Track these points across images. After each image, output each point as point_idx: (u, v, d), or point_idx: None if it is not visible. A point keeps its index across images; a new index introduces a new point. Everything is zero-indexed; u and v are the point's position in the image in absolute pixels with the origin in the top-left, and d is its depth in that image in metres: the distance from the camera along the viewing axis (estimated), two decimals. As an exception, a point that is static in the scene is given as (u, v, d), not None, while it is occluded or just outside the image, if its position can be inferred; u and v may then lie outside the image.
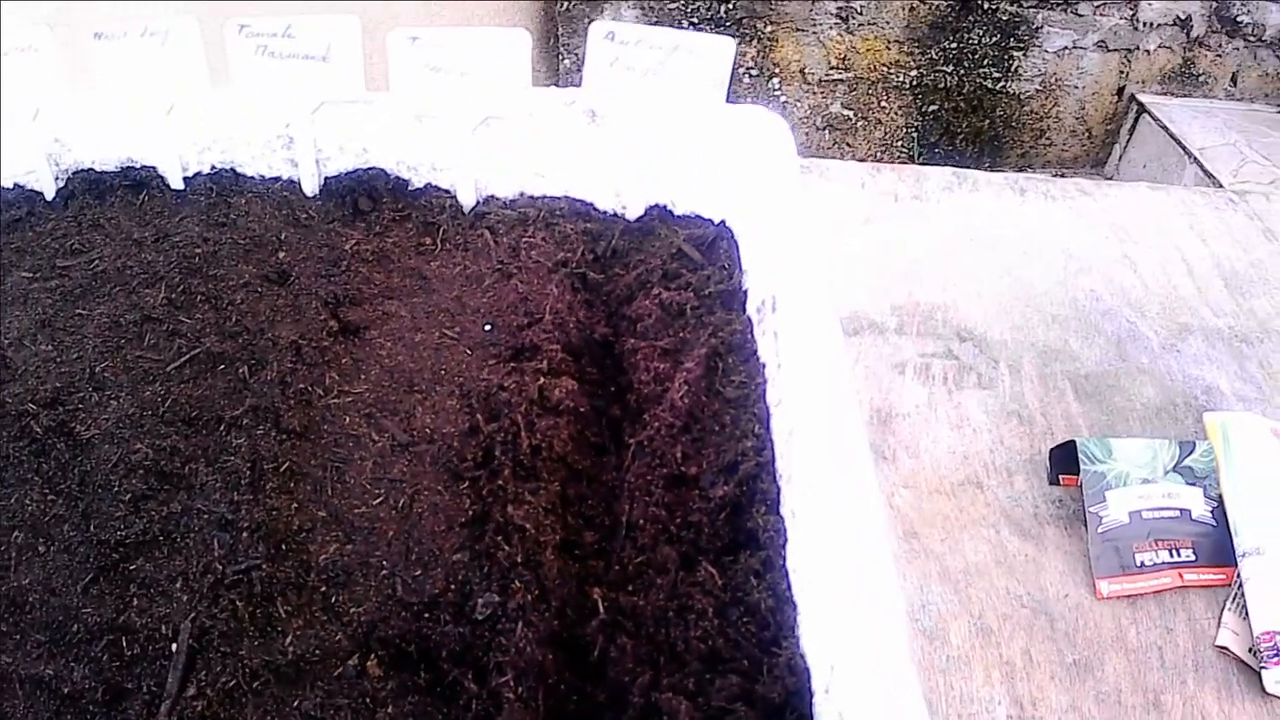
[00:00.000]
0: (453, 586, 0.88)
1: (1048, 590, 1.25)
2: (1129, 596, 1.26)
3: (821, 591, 0.80)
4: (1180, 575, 1.28)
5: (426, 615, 0.86)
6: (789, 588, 0.85)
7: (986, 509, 1.33)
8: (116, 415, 1.00)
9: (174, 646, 0.83)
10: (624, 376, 1.09)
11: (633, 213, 1.29)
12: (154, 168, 1.29)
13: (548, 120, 1.26)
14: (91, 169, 1.29)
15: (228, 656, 0.82)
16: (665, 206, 1.28)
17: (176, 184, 1.29)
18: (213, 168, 1.30)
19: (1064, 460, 1.38)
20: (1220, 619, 1.24)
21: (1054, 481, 1.39)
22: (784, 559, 0.87)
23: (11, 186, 1.27)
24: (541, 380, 1.03)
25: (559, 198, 1.30)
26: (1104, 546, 1.29)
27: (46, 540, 0.90)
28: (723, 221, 1.25)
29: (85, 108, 1.27)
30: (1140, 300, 1.73)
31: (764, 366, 1.03)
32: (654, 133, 1.24)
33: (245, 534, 0.91)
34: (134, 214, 1.25)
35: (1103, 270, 1.78)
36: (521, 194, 1.30)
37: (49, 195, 1.28)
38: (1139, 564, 1.28)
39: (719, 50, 1.14)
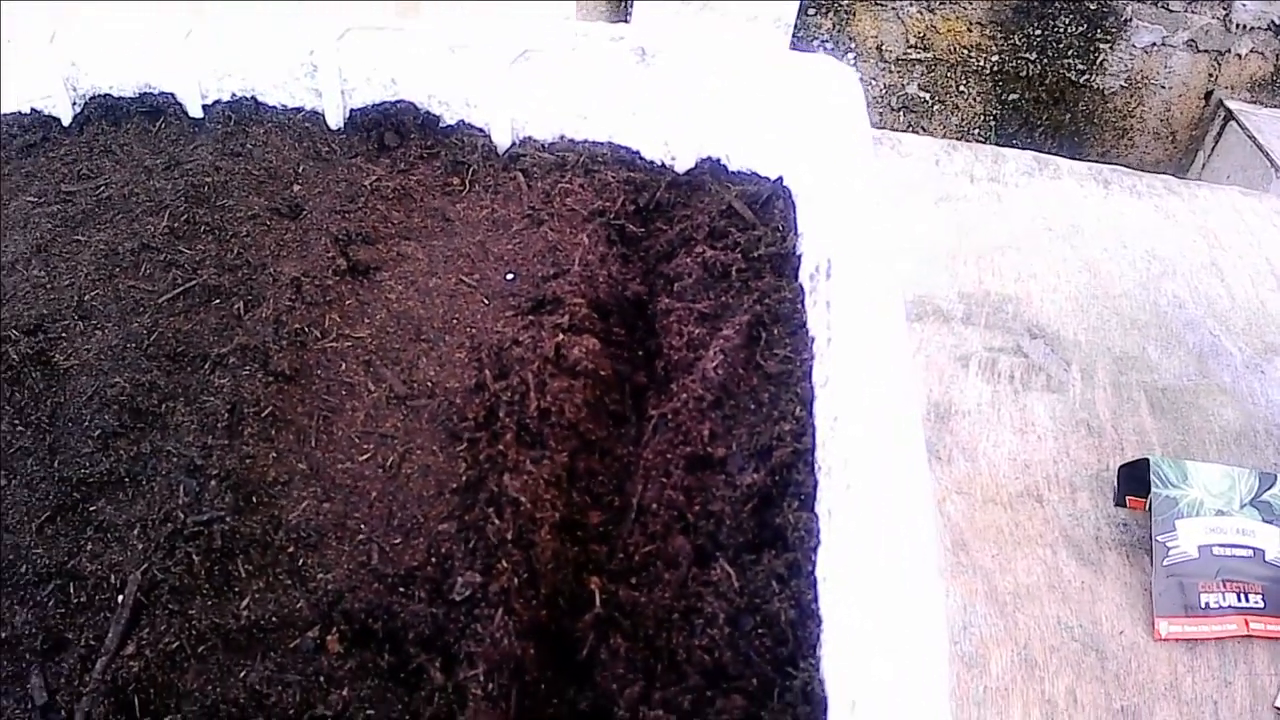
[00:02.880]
0: (434, 560, 0.77)
1: (1102, 624, 1.12)
2: (1189, 640, 1.12)
3: (853, 609, 0.67)
4: (1246, 623, 1.13)
5: (400, 590, 0.75)
6: (815, 599, 0.72)
7: (1045, 526, 1.20)
8: (99, 346, 0.91)
9: (120, 599, 0.74)
10: (654, 340, 0.97)
11: (682, 164, 1.16)
12: (172, 94, 1.20)
13: (592, 57, 1.13)
14: (109, 94, 1.20)
15: (175, 615, 0.73)
16: (718, 160, 1.16)
17: (195, 111, 1.20)
18: (233, 95, 1.21)
19: (1133, 480, 1.24)
20: (1284, 677, 1.10)
21: (1120, 503, 1.25)
22: (813, 565, 0.74)
23: (29, 111, 1.19)
24: (560, 337, 0.91)
25: (601, 143, 1.18)
26: (1168, 582, 1.14)
27: (8, 474, 0.82)
28: (780, 179, 1.12)
29: (102, 30, 1.17)
30: (1226, 313, 1.58)
31: (812, 341, 0.91)
32: (710, 77, 1.11)
33: (214, 482, 0.81)
34: (148, 141, 1.16)
35: (1188, 276, 1.64)
36: (561, 137, 1.19)
37: (65, 121, 1.19)
38: (1203, 606, 1.14)
39: (786, -17, 1.02)
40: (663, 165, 1.17)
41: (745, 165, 1.16)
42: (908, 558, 0.63)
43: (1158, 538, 1.17)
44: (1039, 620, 1.10)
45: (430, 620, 0.72)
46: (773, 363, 0.90)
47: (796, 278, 0.99)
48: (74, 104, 1.19)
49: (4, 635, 0.72)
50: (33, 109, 1.19)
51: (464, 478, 0.82)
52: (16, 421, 0.85)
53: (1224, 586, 1.15)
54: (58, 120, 1.19)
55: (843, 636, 0.68)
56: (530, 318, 0.96)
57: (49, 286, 0.97)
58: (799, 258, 1.01)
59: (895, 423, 0.70)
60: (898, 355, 0.75)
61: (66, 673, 0.70)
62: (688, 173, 1.16)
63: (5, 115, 1.17)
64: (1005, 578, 1.13)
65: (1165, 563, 1.15)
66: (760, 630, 0.71)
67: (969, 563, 1.14)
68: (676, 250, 1.05)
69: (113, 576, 0.75)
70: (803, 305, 0.95)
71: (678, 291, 0.99)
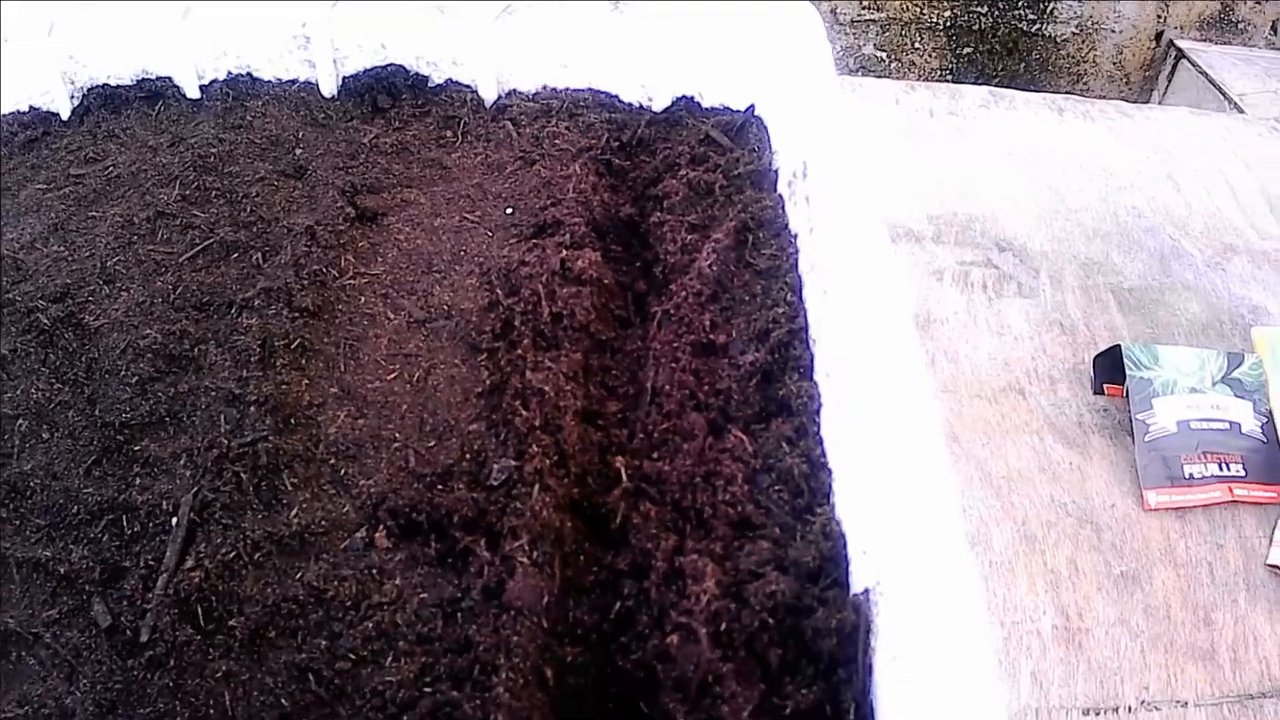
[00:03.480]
0: (468, 456, 0.81)
1: (1094, 499, 1.17)
2: (1177, 509, 1.17)
3: (860, 452, 0.72)
4: (1230, 490, 1.18)
5: (439, 486, 0.80)
6: (824, 454, 0.78)
7: (1029, 416, 1.25)
8: (126, 305, 0.95)
9: (174, 521, 0.77)
10: (649, 252, 1.02)
11: (659, 104, 1.21)
12: (169, 78, 1.23)
13: (570, 9, 1.18)
14: (107, 84, 1.23)
15: (229, 529, 0.77)
16: (692, 98, 1.21)
17: (193, 93, 1.23)
18: (229, 74, 1.24)
19: (1108, 369, 1.29)
20: (1272, 537, 1.15)
21: (1098, 391, 1.30)
22: (818, 425, 0.80)
23: (27, 109, 1.21)
24: (564, 253, 0.96)
25: (582, 89, 1.22)
26: (1151, 456, 1.20)
27: (51, 426, 0.85)
28: (751, 108, 1.17)
29: (99, 20, 1.20)
30: (1183, 219, 1.63)
31: (795, 238, 0.96)
32: (680, 22, 1.16)
33: (253, 408, 0.85)
34: (150, 123, 1.19)
35: (1145, 189, 1.69)
36: (544, 87, 1.23)
37: (64, 114, 1.21)
38: (1187, 476, 1.18)
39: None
40: (641, 106, 1.22)
41: (718, 100, 1.20)
42: (904, 395, 0.68)
43: (1137, 416, 1.22)
44: (1033, 500, 1.15)
45: (472, 504, 0.77)
46: (761, 260, 0.95)
47: (776, 189, 1.04)
48: (72, 97, 1.21)
49: (63, 571, 0.75)
50: (31, 106, 1.21)
51: (488, 382, 0.87)
52: (53, 380, 0.88)
53: (1205, 458, 1.20)
54: (56, 115, 1.21)
55: (854, 478, 0.73)
56: (533, 241, 1.01)
57: (70, 259, 1.00)
58: (776, 172, 1.06)
59: (878, 285, 0.75)
60: (875, 232, 0.80)
61: (129, 594, 0.73)
62: (665, 111, 1.21)
63: (4, 115, 1.20)
64: (997, 463, 1.18)
65: (1147, 439, 1.20)
66: (777, 485, 0.76)
67: (961, 452, 1.19)
68: (662, 176, 1.10)
69: (164, 504, 0.78)
70: (784, 211, 1.00)
71: (667, 208, 1.04)
